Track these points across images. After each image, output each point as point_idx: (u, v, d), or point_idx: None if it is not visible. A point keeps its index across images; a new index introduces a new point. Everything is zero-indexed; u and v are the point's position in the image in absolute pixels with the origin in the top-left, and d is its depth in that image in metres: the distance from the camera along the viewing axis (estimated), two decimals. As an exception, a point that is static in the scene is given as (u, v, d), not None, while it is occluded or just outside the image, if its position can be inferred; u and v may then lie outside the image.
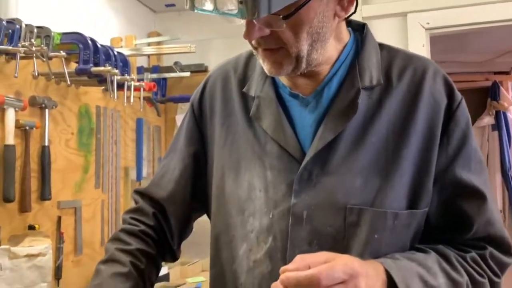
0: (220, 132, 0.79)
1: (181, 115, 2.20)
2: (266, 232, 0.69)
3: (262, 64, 0.68)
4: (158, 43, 2.13)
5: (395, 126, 0.68)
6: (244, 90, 0.77)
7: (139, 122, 2.00)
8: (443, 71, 0.73)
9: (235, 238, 0.73)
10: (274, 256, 0.68)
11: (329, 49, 0.69)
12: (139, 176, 1.98)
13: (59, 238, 1.49)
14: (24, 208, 1.34)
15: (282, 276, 0.55)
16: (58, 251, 1.47)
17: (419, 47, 1.88)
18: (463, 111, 0.71)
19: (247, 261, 0.70)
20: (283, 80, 0.74)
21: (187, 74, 2.07)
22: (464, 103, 0.71)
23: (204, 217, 0.87)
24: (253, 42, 0.65)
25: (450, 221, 0.70)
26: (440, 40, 2.16)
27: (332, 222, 0.66)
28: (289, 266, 0.56)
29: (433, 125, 0.69)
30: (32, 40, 1.28)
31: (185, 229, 0.85)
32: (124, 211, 0.87)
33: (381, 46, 0.75)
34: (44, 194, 1.42)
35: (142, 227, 0.81)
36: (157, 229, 0.82)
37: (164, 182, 0.83)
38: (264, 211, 0.70)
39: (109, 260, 0.76)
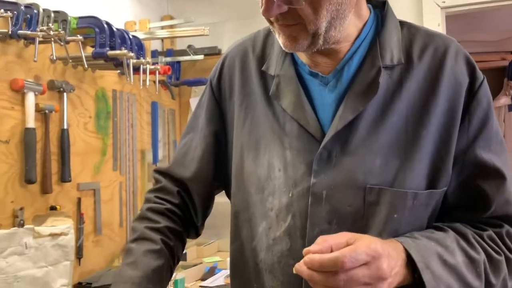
0: (239, 112, 0.79)
1: (195, 98, 2.21)
2: (286, 210, 0.70)
3: (278, 38, 0.68)
4: (172, 26, 2.14)
5: (415, 106, 0.68)
6: (263, 68, 0.77)
7: (154, 106, 2.02)
8: (465, 50, 0.72)
9: (255, 216, 0.74)
10: (293, 234, 0.69)
11: (348, 26, 0.68)
12: (155, 159, 2.01)
13: (80, 219, 1.53)
14: (45, 189, 1.38)
15: (305, 258, 0.56)
16: (79, 231, 1.51)
17: (435, 26, 1.86)
18: (485, 91, 0.70)
19: (266, 238, 0.72)
20: (302, 58, 0.73)
21: (201, 57, 2.07)
22: (486, 83, 0.70)
23: (219, 199, 0.88)
24: (271, 18, 0.65)
25: (468, 200, 0.70)
26: (456, 19, 2.13)
27: (352, 201, 0.66)
28: (312, 247, 0.57)
29: (454, 105, 0.68)
30: (50, 24, 1.30)
31: (207, 207, 0.87)
32: (147, 191, 0.88)
33: (402, 24, 0.74)
34: (64, 176, 1.45)
35: (168, 205, 0.82)
36: (182, 207, 0.83)
37: (186, 161, 0.84)
38: (283, 190, 0.70)
39: (140, 238, 0.78)
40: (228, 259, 1.52)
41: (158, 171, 0.88)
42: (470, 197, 0.70)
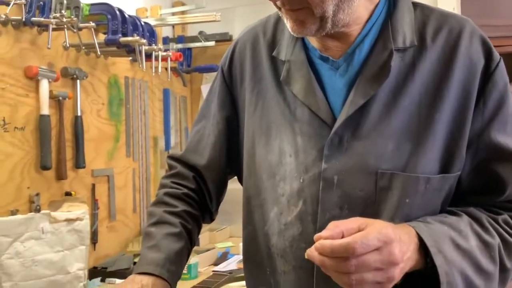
0: (250, 98, 0.79)
1: (206, 85, 2.21)
2: (297, 196, 0.70)
3: (286, 23, 0.67)
4: (183, 12, 2.13)
5: (428, 89, 0.67)
6: (273, 54, 0.76)
7: (165, 93, 2.03)
8: (480, 31, 0.71)
9: (266, 201, 0.74)
10: (305, 219, 0.69)
11: (358, 8, 0.67)
12: (167, 146, 2.02)
13: (94, 205, 1.55)
14: (60, 175, 1.40)
15: (317, 244, 0.56)
16: (94, 217, 1.53)
17: (449, 10, 1.82)
18: (501, 72, 0.69)
19: (278, 223, 0.72)
20: (313, 43, 0.73)
21: (212, 43, 2.07)
22: (502, 64, 0.69)
23: (231, 186, 0.89)
24: (278, 2, 0.65)
25: (483, 184, 0.69)
26: (471, 3, 2.08)
27: (363, 186, 0.66)
28: (323, 233, 0.57)
29: (469, 87, 0.67)
30: (63, 11, 1.30)
31: (221, 192, 0.88)
32: (162, 177, 0.89)
33: (415, 5, 0.72)
34: (79, 163, 1.47)
35: (185, 190, 0.83)
36: (198, 192, 0.85)
37: (200, 149, 0.85)
38: (294, 176, 0.70)
39: (159, 222, 0.79)
40: (240, 244, 1.53)
41: (172, 158, 0.89)
42: (484, 181, 0.69)
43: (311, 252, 0.57)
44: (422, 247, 0.60)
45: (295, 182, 0.71)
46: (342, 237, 0.56)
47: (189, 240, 0.81)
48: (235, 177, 0.88)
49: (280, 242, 0.72)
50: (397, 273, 0.56)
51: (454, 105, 0.67)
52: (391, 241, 0.56)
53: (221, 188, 0.88)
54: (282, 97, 0.75)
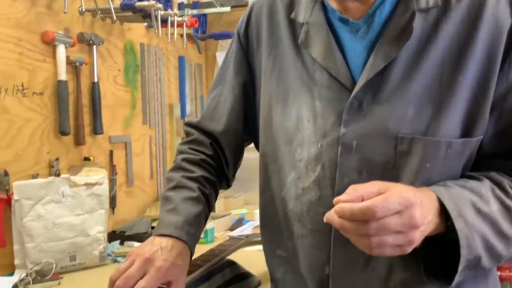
0: (267, 62, 0.78)
1: (221, 52, 2.19)
2: (315, 161, 0.69)
3: None
4: (198, -23, 2.09)
5: (451, 51, 0.65)
6: (291, 16, 0.75)
7: (181, 60, 2.02)
8: None
9: (283, 167, 0.74)
10: (323, 184, 0.69)
11: None
12: (182, 113, 2.02)
13: (112, 170, 1.57)
14: (78, 141, 1.42)
15: (336, 207, 0.56)
16: (112, 182, 1.56)
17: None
18: None
19: (295, 188, 0.72)
20: (332, 4, 0.71)
21: (227, 9, 2.03)
22: None
23: (246, 154, 0.89)
24: None
25: (505, 149, 0.68)
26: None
27: (382, 151, 0.65)
28: (342, 197, 0.57)
29: (494, 49, 0.65)
30: (78, -25, 1.29)
31: (238, 159, 0.89)
32: (179, 143, 0.90)
33: None
34: (96, 129, 1.48)
35: (202, 156, 0.84)
36: (215, 158, 0.85)
37: (217, 115, 0.85)
38: (312, 141, 0.70)
39: (177, 186, 0.80)
40: (255, 211, 1.55)
41: (189, 124, 0.90)
42: (507, 145, 0.68)
43: (330, 216, 0.57)
44: (443, 211, 0.60)
45: (313, 147, 0.70)
46: (362, 201, 0.56)
47: (207, 204, 0.82)
48: (250, 145, 0.89)
49: (297, 207, 0.72)
50: (418, 237, 0.56)
51: (478, 67, 0.65)
52: (412, 204, 0.55)
53: (238, 155, 0.88)
54: (300, 60, 0.73)
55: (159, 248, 0.71)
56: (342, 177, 0.67)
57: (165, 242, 0.72)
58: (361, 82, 0.67)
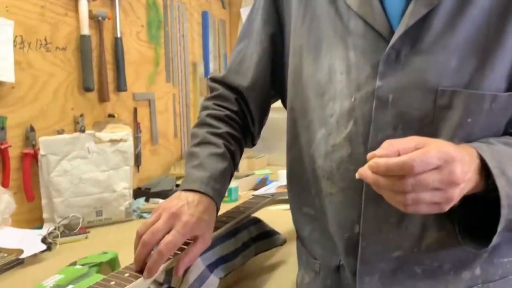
0: (298, 10, 0.73)
1: (246, 7, 2.12)
2: (347, 116, 0.66)
3: None
4: None
5: None
6: None
7: (204, 15, 1.96)
8: None
9: (313, 122, 0.71)
10: (355, 141, 0.65)
11: None
12: (206, 72, 1.99)
13: (137, 128, 1.57)
14: (103, 98, 1.41)
15: (370, 162, 0.53)
16: (137, 140, 1.56)
17: None
18: None
19: (325, 145, 0.69)
20: None
21: (253, -38, 1.95)
22: None
23: (270, 114, 0.87)
24: None
25: None
26: None
27: (420, 105, 0.61)
28: (378, 151, 0.53)
29: None
30: None
31: (264, 115, 0.86)
32: (204, 98, 0.87)
33: None
34: (120, 85, 1.47)
35: (227, 112, 0.82)
36: (240, 114, 0.83)
37: (243, 69, 0.82)
38: (345, 94, 0.66)
39: (202, 142, 0.79)
40: (279, 171, 1.53)
41: (213, 79, 0.87)
42: None
43: (363, 171, 0.54)
44: (484, 169, 0.56)
45: (345, 101, 0.66)
46: (398, 156, 0.52)
47: (232, 161, 0.80)
48: (275, 104, 0.86)
49: (326, 164, 0.69)
50: (457, 194, 0.52)
51: None
52: (452, 159, 0.51)
53: (264, 111, 0.86)
54: (334, 8, 0.69)
55: (185, 203, 0.70)
56: (376, 133, 0.63)
57: (191, 197, 0.71)
58: (399, 30, 0.62)
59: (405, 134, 0.60)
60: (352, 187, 0.66)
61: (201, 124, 0.83)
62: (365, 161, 0.55)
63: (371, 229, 0.65)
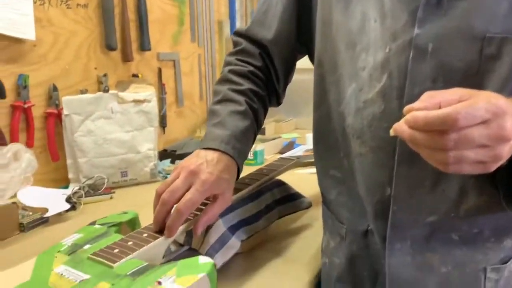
0: None
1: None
2: (381, 68, 0.60)
3: None
4: None
5: None
6: None
7: (231, -28, 1.89)
8: None
9: (343, 77, 0.65)
10: (388, 96, 0.60)
11: None
12: (232, 31, 1.92)
13: (161, 89, 1.54)
14: (126, 57, 1.38)
15: (407, 116, 0.47)
16: (161, 101, 1.53)
17: None
18: None
19: (355, 101, 0.64)
20: None
21: None
22: None
23: (297, 76, 0.82)
24: None
25: None
26: None
27: (464, 55, 0.55)
28: (416, 104, 0.48)
29: None
30: None
31: (289, 72, 0.82)
32: (226, 54, 0.84)
33: None
34: (144, 44, 1.43)
35: (250, 68, 0.78)
36: (264, 70, 0.79)
37: (267, 20, 0.77)
38: (379, 45, 0.60)
39: (224, 100, 0.75)
40: (307, 135, 1.47)
41: (237, 33, 0.83)
42: None
43: (399, 127, 0.48)
44: None
45: (379, 52, 0.60)
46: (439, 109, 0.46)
47: (255, 120, 0.76)
48: (301, 64, 0.81)
49: (357, 122, 0.64)
50: (506, 152, 0.46)
51: None
52: (503, 113, 0.45)
53: (289, 67, 0.81)
54: None
55: (204, 161, 0.67)
56: (412, 87, 0.57)
57: (210, 155, 0.68)
58: None
59: (445, 87, 0.54)
60: (384, 147, 0.61)
61: (223, 80, 0.79)
62: (399, 118, 0.49)
63: (403, 192, 0.60)
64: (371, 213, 0.64)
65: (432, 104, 0.47)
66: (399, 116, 0.50)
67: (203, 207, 0.66)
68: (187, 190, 0.64)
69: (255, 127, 0.77)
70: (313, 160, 1.11)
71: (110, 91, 1.22)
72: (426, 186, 0.59)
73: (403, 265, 0.62)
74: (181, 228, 0.63)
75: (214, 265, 0.55)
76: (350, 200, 0.69)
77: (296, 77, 0.84)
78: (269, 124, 1.88)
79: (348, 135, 0.66)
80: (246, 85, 0.77)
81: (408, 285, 0.62)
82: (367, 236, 0.66)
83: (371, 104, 0.62)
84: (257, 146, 1.44)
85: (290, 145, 1.65)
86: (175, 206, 0.64)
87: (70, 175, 1.19)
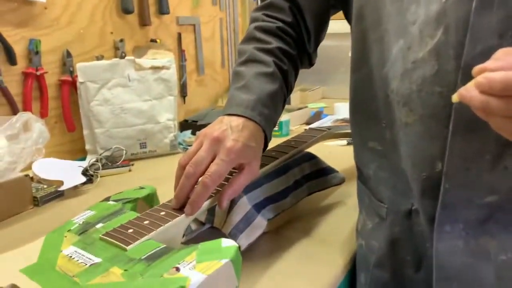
0: None
1: None
2: (435, 22, 0.50)
3: None
4: None
5: None
6: None
7: None
8: None
9: (388, 33, 0.56)
10: (444, 54, 0.50)
11: None
12: (256, -6, 1.82)
13: (181, 56, 1.46)
14: (143, 21, 1.30)
15: (479, 78, 0.39)
16: (182, 69, 1.46)
17: None
18: None
19: (403, 61, 0.54)
20: None
21: None
22: None
23: (325, 41, 0.74)
24: None
25: None
26: None
27: None
28: (489, 63, 0.40)
29: None
30: None
31: (321, 29, 0.73)
32: (253, 9, 0.75)
33: None
34: (162, 8, 1.35)
35: (279, 23, 0.70)
36: (294, 26, 0.71)
37: None
38: None
39: (249, 60, 0.67)
40: (336, 104, 1.37)
41: None
42: None
43: (467, 91, 0.40)
44: None
45: (433, 3, 0.51)
46: None
47: (284, 82, 0.68)
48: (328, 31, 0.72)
49: (403, 86, 0.55)
50: None
51: None
52: None
53: (322, 24, 0.72)
54: None
55: (228, 127, 0.60)
56: (474, 43, 0.48)
57: (235, 121, 0.61)
58: None
59: None
60: (436, 115, 0.52)
61: (248, 38, 0.71)
62: (455, 81, 0.41)
63: (458, 168, 0.52)
64: (418, 191, 0.56)
65: (508, 64, 0.38)
66: (455, 79, 0.42)
67: (228, 178, 0.59)
68: (212, 160, 0.58)
69: (285, 91, 0.69)
70: (345, 131, 1.02)
71: (127, 57, 1.15)
72: (486, 161, 0.50)
73: (454, 251, 0.54)
74: (204, 204, 0.57)
75: (239, 248, 0.49)
76: (392, 176, 0.61)
77: (322, 43, 0.75)
78: (294, 93, 1.79)
79: (392, 102, 0.57)
80: (274, 43, 0.69)
81: (459, 274, 0.55)
82: (411, 217, 0.59)
83: (422, 64, 0.52)
84: (282, 116, 1.36)
85: (318, 115, 1.56)
86: (200, 179, 0.57)
87: (87, 147, 1.14)
